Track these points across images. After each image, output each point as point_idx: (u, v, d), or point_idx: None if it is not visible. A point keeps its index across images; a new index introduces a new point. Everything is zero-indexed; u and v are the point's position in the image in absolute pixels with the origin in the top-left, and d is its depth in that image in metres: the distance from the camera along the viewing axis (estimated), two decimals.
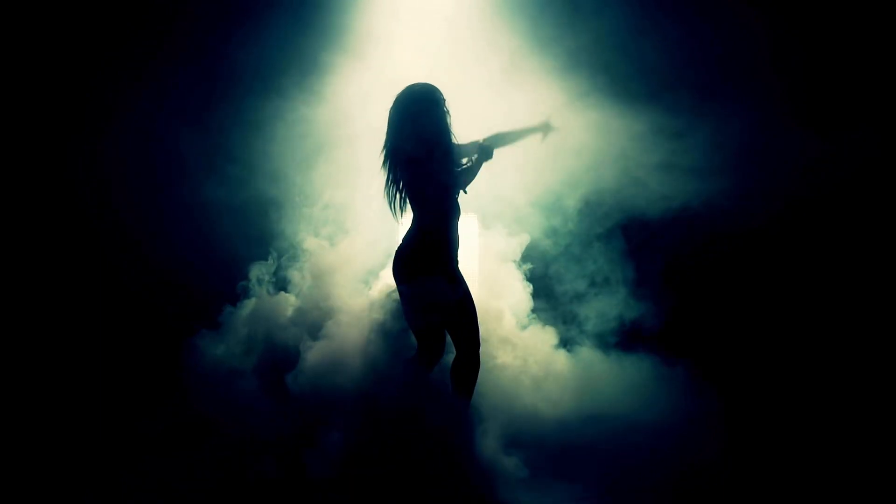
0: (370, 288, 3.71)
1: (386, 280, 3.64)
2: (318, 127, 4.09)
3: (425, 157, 3.15)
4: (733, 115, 3.99)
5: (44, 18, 4.32)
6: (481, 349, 3.27)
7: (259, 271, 3.88)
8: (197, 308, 3.98)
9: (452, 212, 3.22)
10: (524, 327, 3.95)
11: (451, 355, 3.34)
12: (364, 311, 3.48)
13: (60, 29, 4.32)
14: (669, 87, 4.06)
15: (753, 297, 4.39)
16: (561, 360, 3.98)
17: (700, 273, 4.35)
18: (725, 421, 3.60)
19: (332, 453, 3.05)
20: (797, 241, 4.31)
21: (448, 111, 3.21)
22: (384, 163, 3.24)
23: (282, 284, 3.89)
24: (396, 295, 3.34)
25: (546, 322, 4.05)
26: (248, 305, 3.83)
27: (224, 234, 4.28)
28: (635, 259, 4.28)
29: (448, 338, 3.31)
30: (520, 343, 3.84)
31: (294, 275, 3.84)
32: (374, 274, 3.80)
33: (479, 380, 3.28)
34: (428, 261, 3.16)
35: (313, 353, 3.38)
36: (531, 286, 3.99)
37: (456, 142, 3.24)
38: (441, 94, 3.21)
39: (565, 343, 4.11)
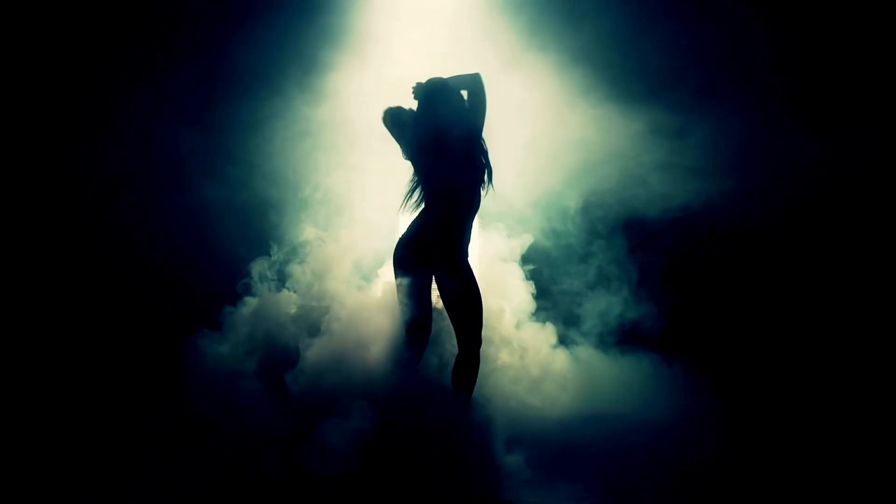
0: (371, 284, 3.71)
1: (387, 277, 3.65)
2: (318, 126, 4.09)
3: (458, 148, 3.16)
4: (733, 114, 3.99)
5: (44, 18, 4.32)
6: (482, 349, 3.27)
7: (261, 266, 3.88)
8: (197, 308, 3.98)
9: (474, 205, 3.24)
10: (524, 327, 3.95)
11: (452, 356, 3.35)
12: (365, 308, 3.49)
13: (61, 29, 4.32)
14: (669, 87, 4.07)
15: (753, 297, 4.39)
16: (561, 359, 3.98)
17: (700, 273, 4.35)
18: (725, 421, 3.60)
19: (333, 453, 3.05)
20: (797, 241, 4.31)
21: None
22: (412, 153, 3.25)
23: (283, 280, 3.88)
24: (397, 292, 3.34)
25: (546, 322, 4.05)
26: (249, 304, 3.82)
27: (224, 233, 4.27)
28: (635, 259, 4.28)
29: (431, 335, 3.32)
30: (520, 343, 3.84)
31: (295, 269, 3.84)
32: (375, 270, 3.80)
33: (480, 380, 3.28)
34: (439, 250, 3.17)
35: (313, 352, 3.39)
36: (531, 286, 3.99)
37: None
38: None
39: (565, 343, 4.11)
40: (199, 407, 3.52)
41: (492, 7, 4.14)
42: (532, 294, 3.97)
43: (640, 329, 4.19)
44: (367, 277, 3.78)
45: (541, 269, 4.17)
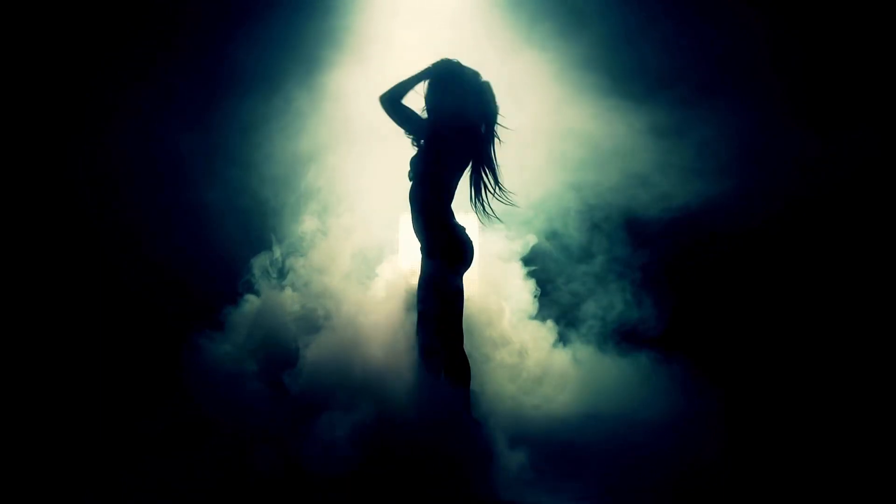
0: (372, 282, 3.72)
1: (387, 276, 3.65)
2: (318, 126, 4.09)
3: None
4: (733, 114, 3.99)
5: (44, 18, 4.32)
6: (482, 349, 3.27)
7: (263, 261, 3.88)
8: (197, 308, 3.98)
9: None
10: (524, 327, 3.95)
11: None
12: (365, 306, 3.49)
13: (61, 28, 4.32)
14: (669, 86, 4.07)
15: (753, 296, 4.39)
16: (561, 359, 3.98)
17: (700, 273, 4.35)
18: (725, 421, 3.60)
19: (333, 453, 3.05)
20: (797, 241, 4.32)
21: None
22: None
23: (284, 277, 3.88)
24: (396, 290, 3.34)
25: (546, 321, 4.05)
26: (250, 303, 3.82)
27: (224, 233, 4.28)
28: (635, 259, 4.28)
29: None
30: (520, 342, 3.84)
31: (296, 263, 3.83)
32: (375, 267, 3.79)
33: (479, 379, 3.27)
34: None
35: (313, 352, 3.39)
36: (531, 285, 3.99)
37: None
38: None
39: (565, 342, 4.11)
40: (199, 407, 3.53)
41: (492, 7, 4.14)
42: (532, 294, 3.97)
43: (640, 329, 4.19)
44: (369, 274, 3.78)
45: (541, 269, 4.17)
